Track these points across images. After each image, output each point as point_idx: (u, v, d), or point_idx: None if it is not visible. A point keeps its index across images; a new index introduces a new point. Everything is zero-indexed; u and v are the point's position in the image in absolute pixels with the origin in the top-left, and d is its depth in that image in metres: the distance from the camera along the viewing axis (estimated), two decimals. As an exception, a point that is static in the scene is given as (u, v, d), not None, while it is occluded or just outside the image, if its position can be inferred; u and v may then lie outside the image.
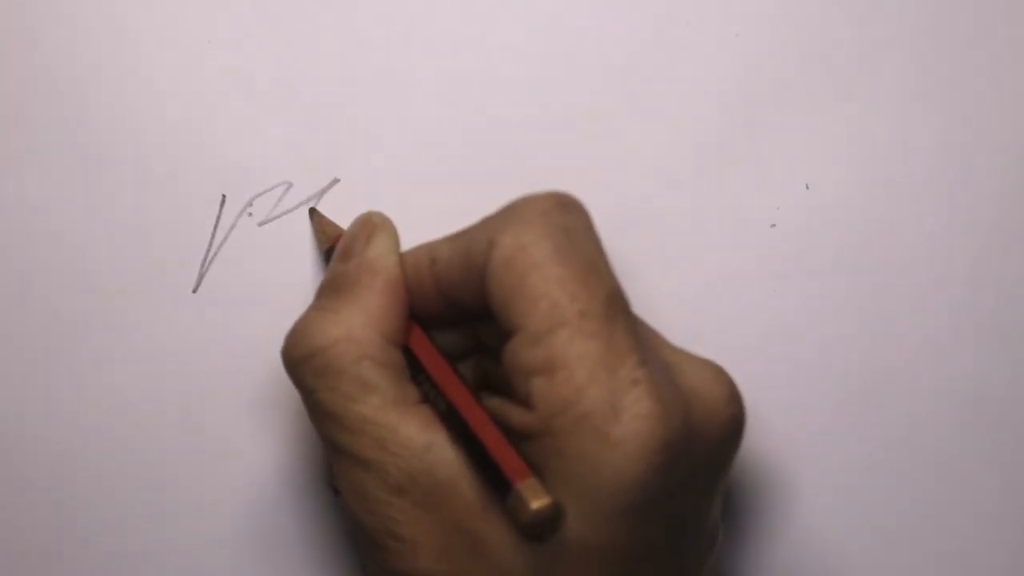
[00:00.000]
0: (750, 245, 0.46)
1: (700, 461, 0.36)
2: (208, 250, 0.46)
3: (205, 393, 0.45)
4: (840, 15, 0.47)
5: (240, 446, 0.45)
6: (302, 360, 0.38)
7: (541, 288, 0.35)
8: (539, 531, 0.35)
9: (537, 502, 0.34)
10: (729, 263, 0.46)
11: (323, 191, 0.46)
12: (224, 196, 0.46)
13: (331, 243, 0.43)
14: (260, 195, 0.46)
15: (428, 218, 0.46)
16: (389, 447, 0.37)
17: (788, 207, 0.47)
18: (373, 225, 0.41)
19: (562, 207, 0.37)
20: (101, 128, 0.46)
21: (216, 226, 0.46)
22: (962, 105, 0.47)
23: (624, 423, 0.34)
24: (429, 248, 0.39)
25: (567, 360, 0.35)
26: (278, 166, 0.46)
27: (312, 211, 0.45)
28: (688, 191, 0.46)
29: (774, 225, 0.47)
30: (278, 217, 0.46)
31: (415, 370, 0.38)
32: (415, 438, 0.37)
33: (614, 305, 0.36)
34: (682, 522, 0.37)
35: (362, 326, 0.38)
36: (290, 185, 0.46)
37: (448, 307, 0.39)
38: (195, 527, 0.45)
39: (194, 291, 0.46)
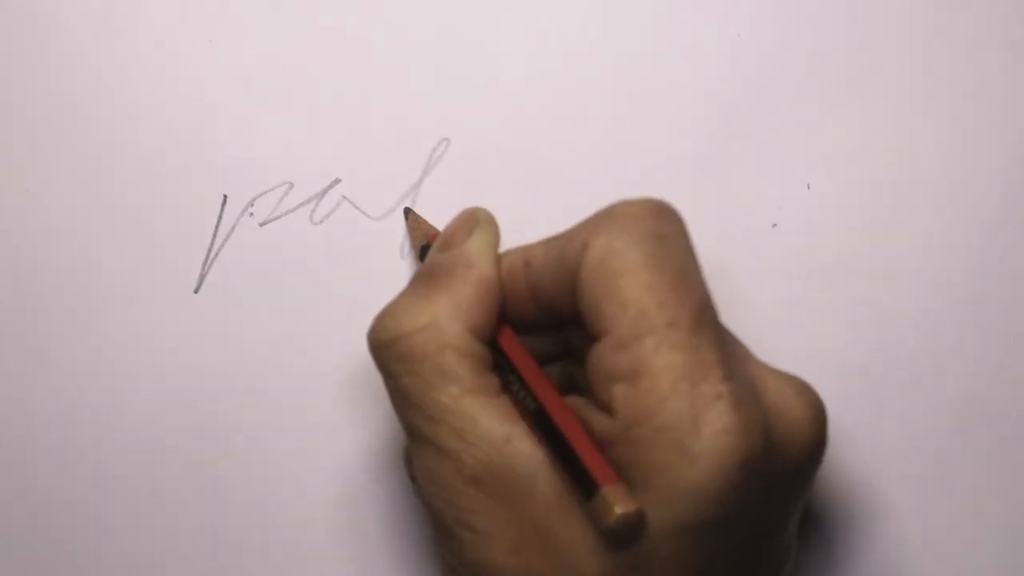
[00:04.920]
0: (751, 245, 0.46)
1: (779, 479, 0.36)
2: (209, 250, 0.46)
3: (206, 393, 0.45)
4: (841, 16, 0.47)
5: (239, 446, 0.45)
6: (387, 344, 0.38)
7: (630, 294, 0.35)
8: (621, 536, 0.34)
9: (622, 507, 0.34)
10: (729, 263, 0.46)
11: (324, 191, 0.46)
12: (225, 196, 0.46)
13: (426, 241, 0.44)
14: (261, 195, 0.46)
15: (428, 218, 0.46)
16: (468, 437, 0.36)
17: (789, 207, 0.47)
18: (476, 220, 0.41)
19: (657, 213, 0.37)
20: (102, 128, 0.46)
21: (217, 226, 0.46)
22: (962, 105, 0.47)
23: (704, 437, 0.34)
24: (524, 250, 0.39)
25: (651, 369, 0.35)
26: (279, 166, 0.46)
27: (407, 210, 0.46)
28: (688, 191, 0.46)
29: (775, 225, 0.47)
30: (279, 217, 0.46)
31: (504, 370, 0.38)
32: (495, 429, 0.36)
33: (703, 317, 0.36)
34: (756, 538, 0.36)
35: (448, 315, 0.38)
36: (291, 185, 0.46)
37: (540, 311, 0.39)
38: (197, 525, 0.45)
39: (195, 291, 0.46)
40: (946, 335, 0.46)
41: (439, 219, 0.46)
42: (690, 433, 0.34)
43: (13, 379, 0.45)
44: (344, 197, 0.46)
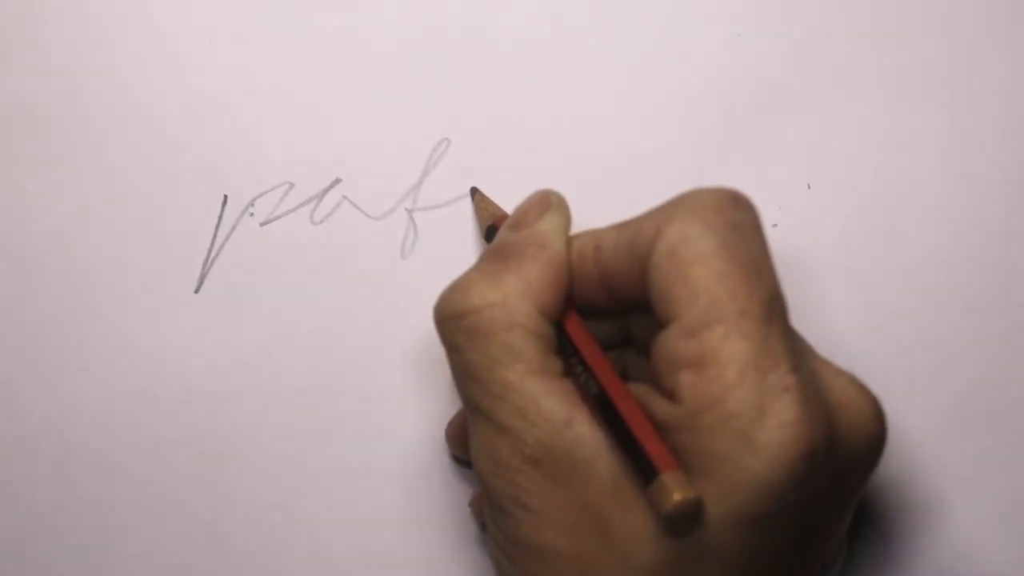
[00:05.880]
0: (751, 245, 0.46)
1: (839, 475, 0.36)
2: (210, 250, 0.46)
3: (206, 393, 0.45)
4: (841, 15, 0.47)
5: (239, 446, 0.45)
6: (454, 317, 0.38)
7: (702, 282, 0.35)
8: (678, 523, 0.34)
9: (680, 494, 0.34)
10: (730, 263, 0.46)
11: (324, 191, 0.46)
12: (226, 196, 0.46)
13: (492, 221, 0.44)
14: (261, 195, 0.46)
15: (427, 219, 0.46)
16: (529, 416, 0.36)
17: (790, 207, 0.47)
18: (549, 202, 0.40)
19: (733, 203, 0.37)
20: (103, 128, 0.46)
21: (218, 226, 0.46)
22: (963, 105, 0.47)
23: (769, 429, 0.34)
24: (595, 235, 0.39)
25: (719, 357, 0.35)
26: (279, 166, 0.46)
27: (473, 190, 0.46)
28: (689, 191, 0.46)
29: (776, 225, 0.47)
30: (280, 217, 0.46)
31: (567, 353, 0.38)
32: (557, 411, 0.36)
33: (773, 308, 0.36)
34: (812, 534, 0.36)
35: (519, 294, 0.38)
36: (291, 185, 0.46)
37: (606, 295, 0.39)
38: (197, 525, 0.45)
39: (196, 291, 0.46)
40: (946, 335, 0.47)
41: (439, 220, 0.46)
42: (755, 423, 0.34)
43: (13, 379, 0.45)
44: (344, 197, 0.46)
